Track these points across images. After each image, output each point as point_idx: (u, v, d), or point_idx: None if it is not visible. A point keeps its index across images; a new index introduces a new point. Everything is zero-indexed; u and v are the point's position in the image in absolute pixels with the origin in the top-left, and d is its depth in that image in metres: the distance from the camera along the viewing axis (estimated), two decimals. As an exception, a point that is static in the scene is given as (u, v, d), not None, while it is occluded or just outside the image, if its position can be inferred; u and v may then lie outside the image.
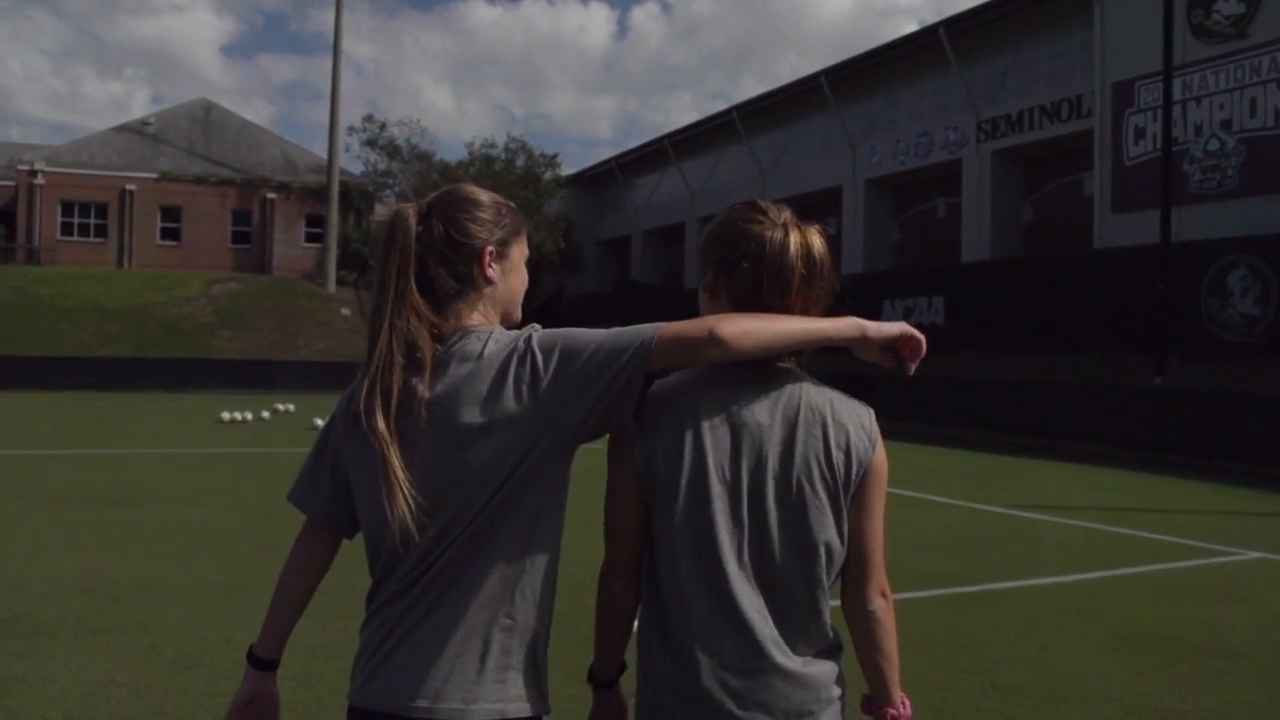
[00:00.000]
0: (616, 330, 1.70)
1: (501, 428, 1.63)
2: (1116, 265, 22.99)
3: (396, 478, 1.63)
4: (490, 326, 1.75)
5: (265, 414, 23.35)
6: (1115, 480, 14.79)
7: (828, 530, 1.75)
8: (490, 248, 1.77)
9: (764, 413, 1.77)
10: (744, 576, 1.71)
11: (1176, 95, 22.74)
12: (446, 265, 1.73)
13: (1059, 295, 23.89)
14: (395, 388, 1.66)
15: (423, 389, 1.66)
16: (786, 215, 1.85)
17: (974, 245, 30.82)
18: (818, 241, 1.84)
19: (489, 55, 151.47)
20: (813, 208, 38.81)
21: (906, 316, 28.47)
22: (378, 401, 1.66)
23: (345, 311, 43.92)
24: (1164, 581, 7.59)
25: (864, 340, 1.87)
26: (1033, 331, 24.43)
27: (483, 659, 1.66)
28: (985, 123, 30.90)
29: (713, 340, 1.65)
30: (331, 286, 45.35)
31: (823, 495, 1.75)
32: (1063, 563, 8.24)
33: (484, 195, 1.81)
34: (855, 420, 1.84)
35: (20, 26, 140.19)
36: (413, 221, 1.73)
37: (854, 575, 1.82)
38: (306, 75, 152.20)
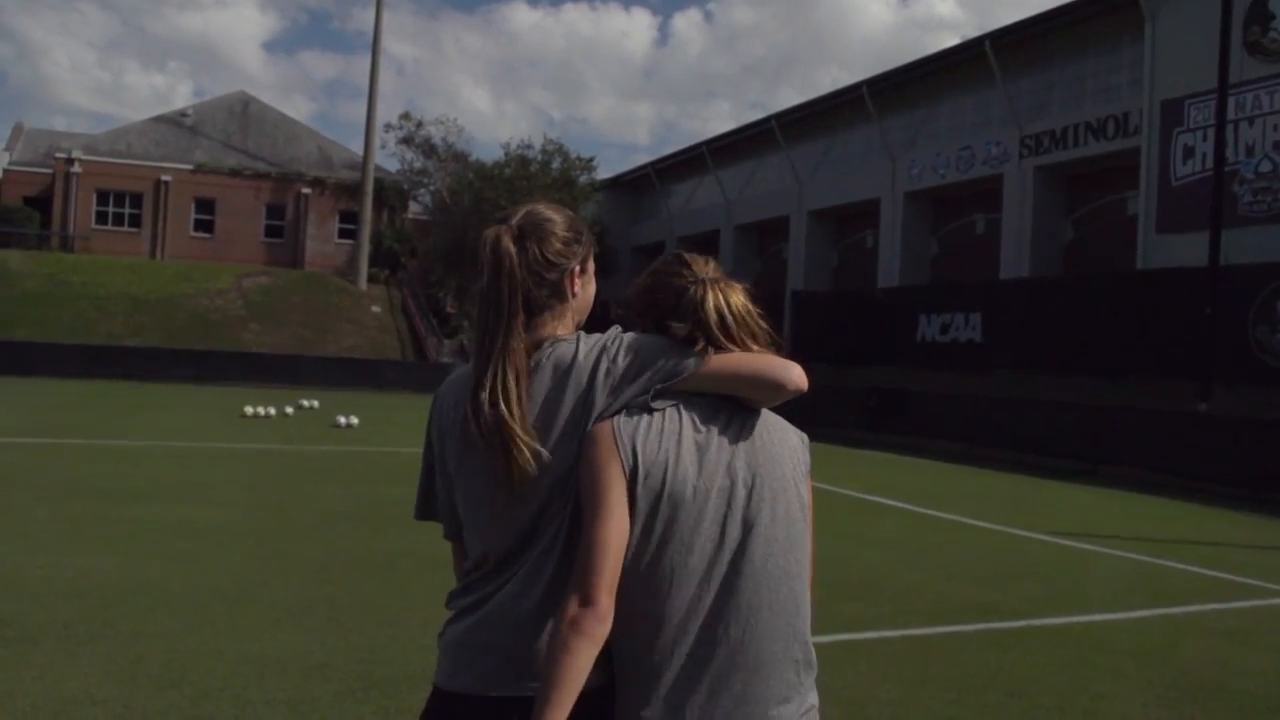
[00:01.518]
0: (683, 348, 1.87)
1: (595, 416, 1.82)
2: (1161, 287, 22.37)
3: (522, 455, 1.78)
4: (574, 333, 1.92)
5: (289, 409, 23.10)
6: (1161, 509, 14.24)
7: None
8: (576, 265, 1.93)
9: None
10: None
11: (1229, 114, 22.11)
12: (542, 283, 1.88)
13: (1101, 316, 23.30)
14: (514, 396, 1.81)
15: (523, 395, 1.82)
16: (710, 270, 1.95)
17: (1013, 262, 30.21)
18: (737, 299, 1.92)
19: (529, 58, 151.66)
20: (850, 219, 38.37)
21: (943, 332, 27.95)
22: (496, 407, 1.80)
23: (376, 309, 43.77)
24: (1220, 623, 7.11)
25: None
26: (1072, 352, 23.84)
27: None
28: (1028, 138, 30.29)
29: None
30: (363, 283, 45.22)
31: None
32: (1111, 598, 7.76)
33: (560, 216, 1.95)
34: None
35: (69, 19, 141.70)
36: (512, 246, 1.87)
37: None
38: (347, 73, 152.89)
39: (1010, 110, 30.89)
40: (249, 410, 21.66)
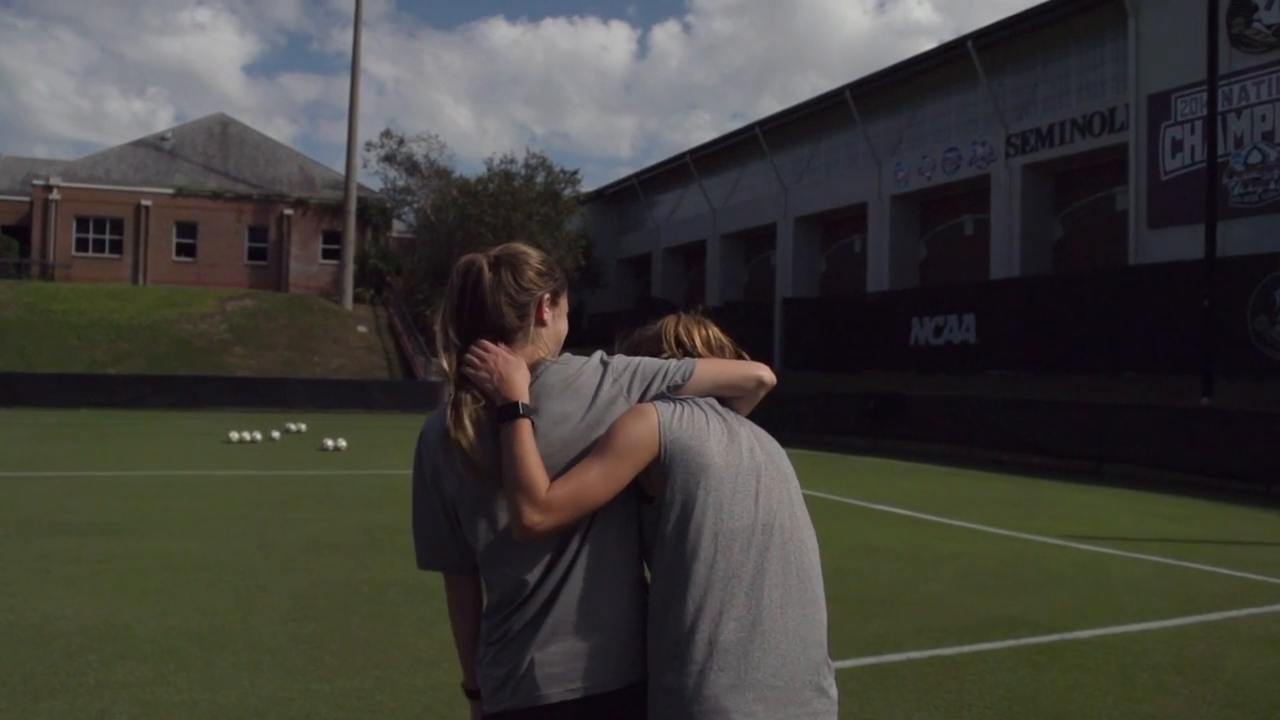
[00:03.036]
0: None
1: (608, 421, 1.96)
2: (1156, 282, 22.09)
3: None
4: (555, 358, 2.04)
5: (275, 434, 22.61)
6: (1173, 508, 13.86)
7: None
8: (547, 295, 2.07)
9: None
10: None
11: (1217, 107, 21.85)
12: (513, 305, 2.02)
13: (1096, 313, 23.02)
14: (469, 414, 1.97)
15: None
16: (680, 313, 2.26)
17: (1003, 262, 29.93)
18: (709, 330, 2.23)
19: (509, 74, 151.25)
20: (837, 225, 38.10)
21: (936, 335, 27.64)
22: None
23: (362, 329, 43.30)
24: (1263, 630, 6.71)
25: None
26: (1068, 350, 23.55)
27: (605, 641, 1.93)
28: (1014, 137, 30.06)
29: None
30: (348, 304, 44.76)
31: None
32: (1141, 606, 7.36)
33: (537, 252, 2.11)
34: None
35: (46, 47, 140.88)
36: (487, 271, 2.03)
37: None
38: (328, 94, 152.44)
39: (995, 110, 30.68)
40: (234, 436, 21.17)
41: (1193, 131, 24.36)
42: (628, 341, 2.24)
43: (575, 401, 1.96)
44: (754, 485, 1.95)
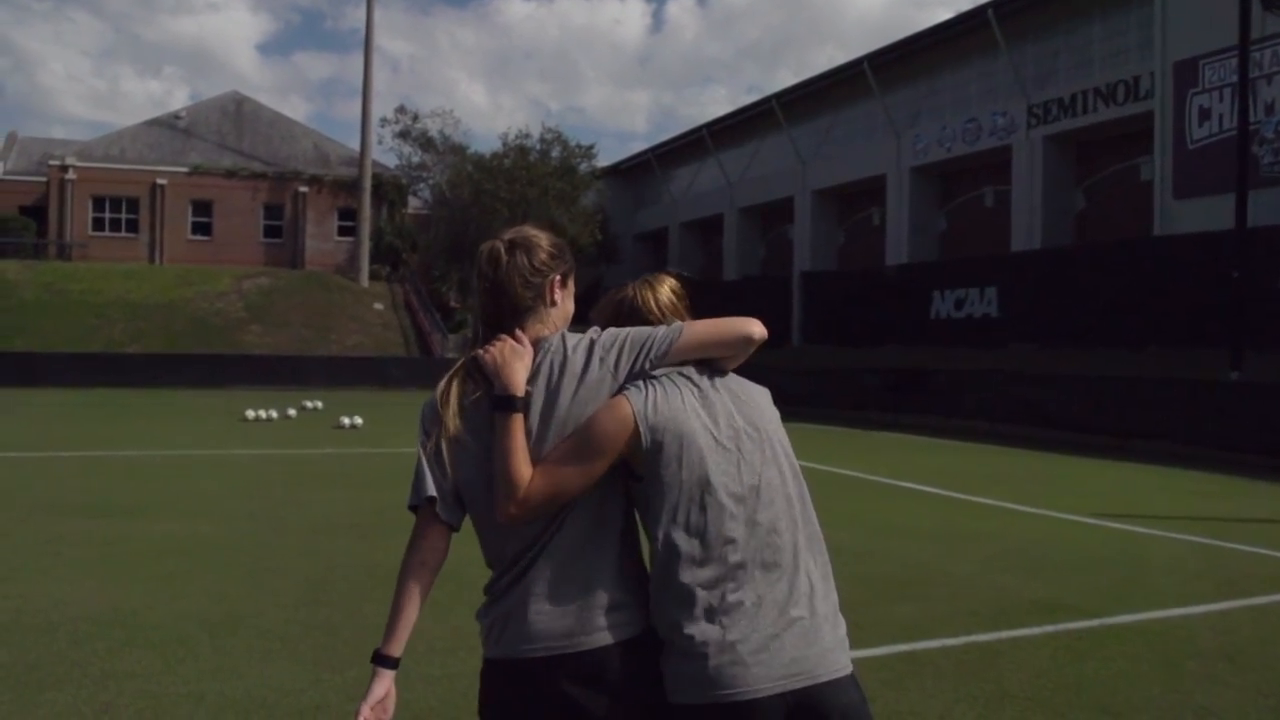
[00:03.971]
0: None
1: (598, 400, 2.08)
2: (1183, 253, 21.69)
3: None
4: (559, 331, 2.18)
5: (291, 411, 22.49)
6: (1205, 484, 13.55)
7: None
8: (558, 276, 2.21)
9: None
10: None
11: (1248, 73, 21.37)
12: (528, 287, 2.16)
13: (1121, 285, 22.65)
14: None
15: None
16: (632, 283, 2.34)
17: (1024, 235, 29.51)
18: (664, 291, 2.31)
19: (524, 49, 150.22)
20: (855, 197, 37.67)
21: (957, 308, 27.31)
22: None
23: (378, 306, 43.15)
24: (1308, 613, 6.46)
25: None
26: (1092, 323, 23.19)
27: (580, 607, 2.04)
28: (1036, 107, 29.56)
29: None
30: (364, 281, 44.59)
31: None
32: (1181, 589, 7.11)
33: (546, 236, 2.24)
34: None
35: (62, 28, 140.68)
36: (504, 255, 2.17)
37: None
38: (343, 72, 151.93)
39: (1016, 79, 30.20)
40: (250, 414, 21.06)
41: (1221, 99, 23.88)
42: (598, 308, 2.34)
43: (567, 380, 2.08)
44: (735, 452, 2.05)
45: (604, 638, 2.01)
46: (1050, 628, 5.91)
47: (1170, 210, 25.06)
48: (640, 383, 2.07)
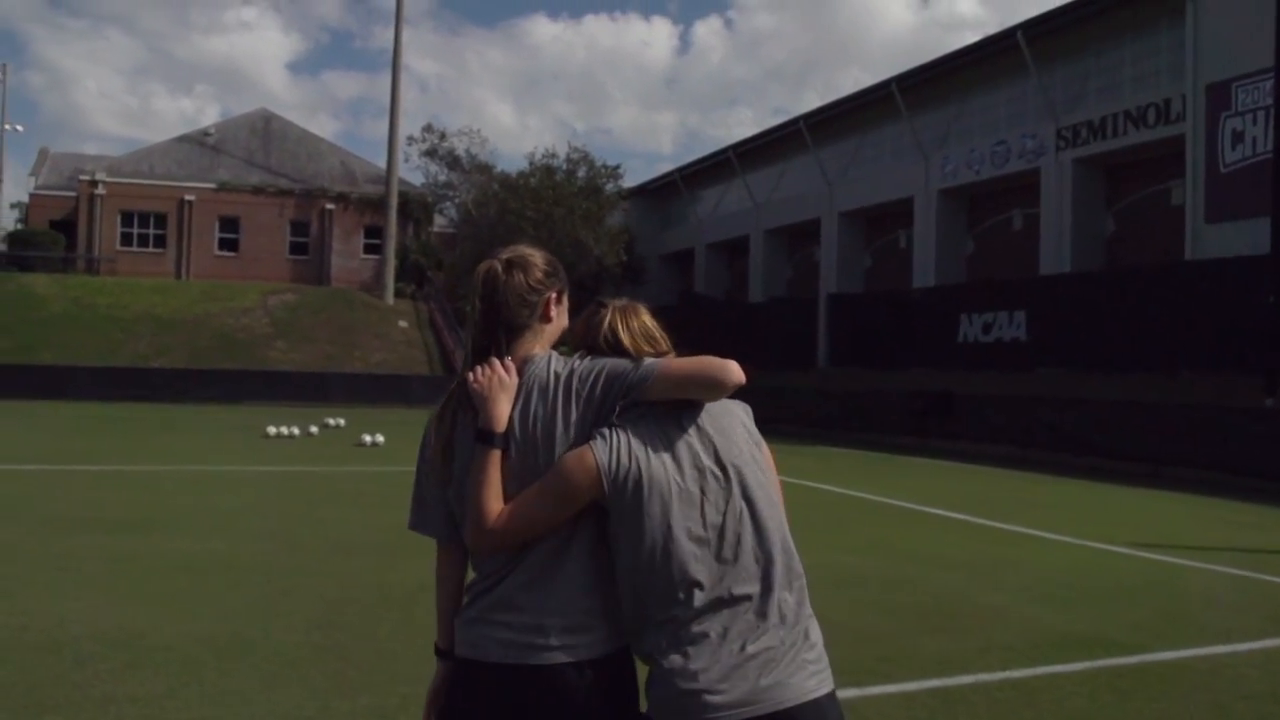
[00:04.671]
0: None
1: (575, 430, 2.13)
2: (1215, 277, 21.34)
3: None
4: (547, 353, 2.25)
5: (314, 429, 22.40)
6: (1241, 514, 13.21)
7: None
8: (554, 294, 2.27)
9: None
10: None
11: None
12: (524, 305, 2.23)
13: (1152, 310, 22.28)
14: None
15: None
16: (621, 302, 2.34)
17: (1052, 258, 29.15)
18: (639, 320, 2.30)
19: (551, 70, 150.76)
20: (883, 219, 37.39)
21: (985, 332, 26.98)
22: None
23: (403, 323, 43.15)
24: (1359, 652, 6.19)
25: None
26: (1123, 348, 22.82)
27: (543, 624, 2.11)
28: (1065, 130, 29.25)
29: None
30: (389, 298, 44.62)
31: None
32: (1224, 624, 6.84)
33: (540, 254, 2.31)
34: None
35: (97, 46, 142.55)
36: (502, 275, 2.23)
37: None
38: (371, 91, 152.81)
39: (1045, 102, 29.90)
40: (271, 430, 20.97)
41: (1255, 121, 23.53)
42: (574, 334, 2.34)
43: (543, 405, 2.14)
44: (699, 494, 2.08)
45: (559, 656, 2.07)
46: (1089, 664, 5.66)
47: (1202, 234, 24.68)
48: (607, 430, 2.10)
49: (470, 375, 2.16)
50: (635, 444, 2.09)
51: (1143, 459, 18.80)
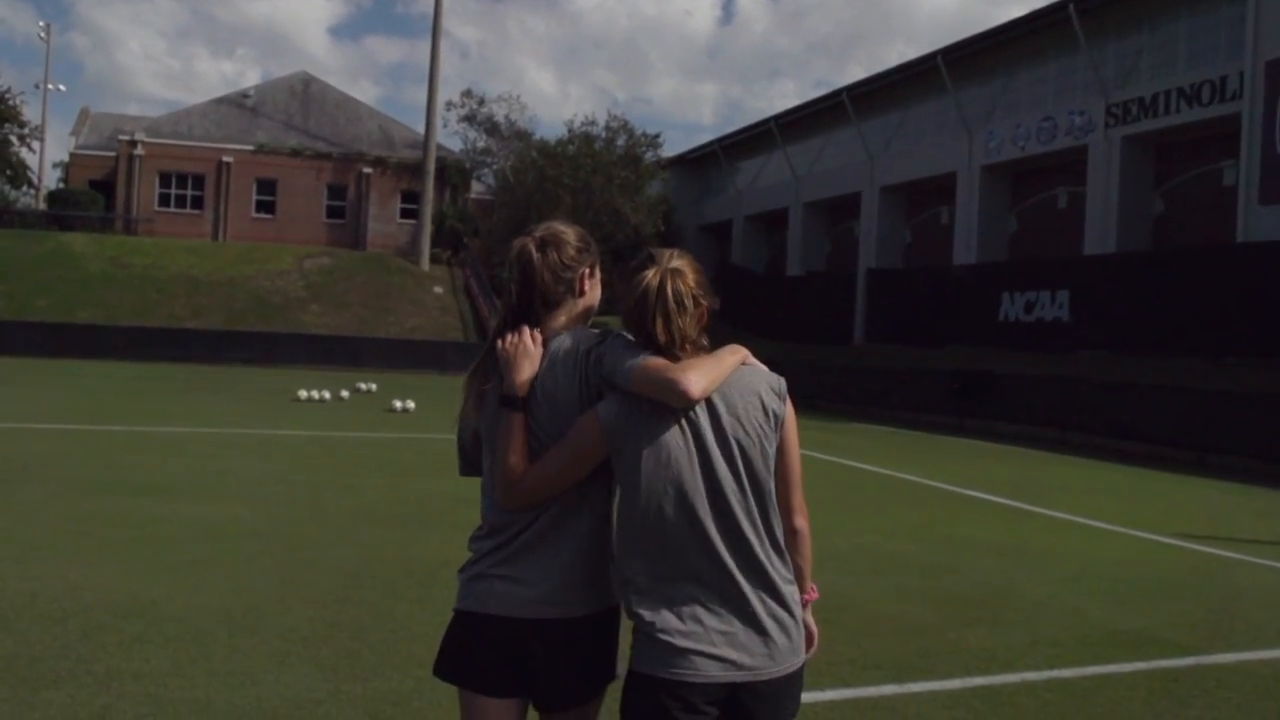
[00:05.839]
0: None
1: (585, 400, 2.26)
2: (1268, 261, 20.75)
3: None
4: (574, 327, 2.36)
5: (345, 393, 22.32)
6: (1291, 506, 12.81)
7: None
8: (587, 269, 2.39)
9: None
10: None
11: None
12: (559, 282, 2.34)
13: (1200, 293, 21.73)
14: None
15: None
16: (668, 260, 2.28)
17: (1098, 238, 28.52)
18: (681, 284, 2.24)
19: (593, 38, 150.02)
20: (924, 195, 36.80)
21: (1027, 311, 26.51)
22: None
23: (438, 289, 43.04)
24: None
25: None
26: (1168, 331, 22.30)
27: (575, 578, 2.28)
28: (1115, 106, 28.54)
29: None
30: (425, 264, 44.52)
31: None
32: (1281, 623, 6.52)
33: (573, 230, 2.41)
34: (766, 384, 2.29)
35: (140, 9, 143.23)
36: (536, 253, 2.32)
37: (782, 498, 2.28)
38: (411, 56, 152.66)
39: (1095, 78, 29.19)
40: (302, 394, 20.88)
41: (1316, 102, 22.84)
42: (623, 294, 2.28)
43: (565, 374, 2.27)
44: (688, 454, 2.16)
45: (548, 612, 2.23)
46: (1142, 664, 5.36)
47: (1254, 216, 24.02)
48: (612, 398, 2.21)
49: (500, 342, 2.28)
50: (640, 404, 2.17)
51: (1188, 446, 18.34)
